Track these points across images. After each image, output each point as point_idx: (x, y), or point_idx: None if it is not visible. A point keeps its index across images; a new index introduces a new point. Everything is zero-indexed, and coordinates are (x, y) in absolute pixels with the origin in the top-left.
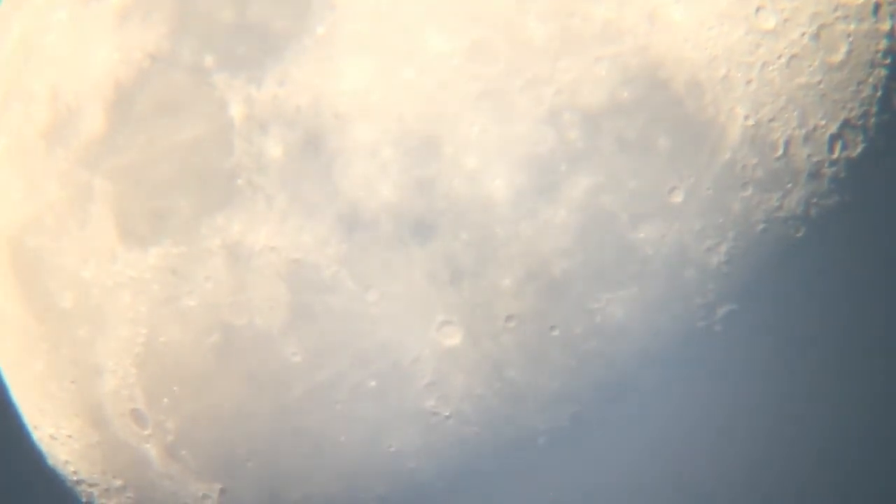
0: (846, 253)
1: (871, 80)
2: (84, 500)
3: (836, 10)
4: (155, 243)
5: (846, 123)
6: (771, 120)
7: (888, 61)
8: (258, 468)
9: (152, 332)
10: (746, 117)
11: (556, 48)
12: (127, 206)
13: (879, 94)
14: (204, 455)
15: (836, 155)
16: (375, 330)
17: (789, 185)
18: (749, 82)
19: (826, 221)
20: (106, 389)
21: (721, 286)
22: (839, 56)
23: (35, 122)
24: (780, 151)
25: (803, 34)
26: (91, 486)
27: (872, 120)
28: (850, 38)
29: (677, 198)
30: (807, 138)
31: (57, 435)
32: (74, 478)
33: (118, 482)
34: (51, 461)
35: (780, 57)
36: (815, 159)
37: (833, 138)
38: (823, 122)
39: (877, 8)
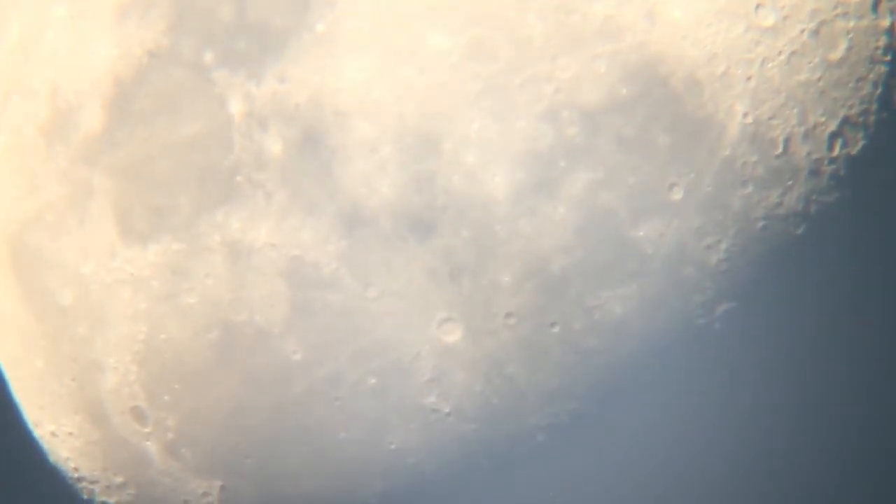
0: (846, 250)
1: (870, 76)
2: (85, 497)
3: (835, 6)
4: (154, 240)
5: (846, 121)
6: (770, 117)
7: (888, 58)
8: (258, 465)
9: (152, 330)
10: (746, 114)
11: (556, 45)
12: (126, 202)
13: (879, 91)
14: (204, 452)
15: (835, 152)
16: (375, 327)
17: (789, 183)
18: (748, 79)
19: (826, 219)
20: (106, 387)
21: (720, 284)
22: (839, 53)
23: (35, 119)
24: (780, 149)
25: (803, 31)
26: (92, 483)
27: (872, 117)
28: (850, 35)
29: (677, 195)
30: (806, 136)
31: (58, 432)
32: (75, 475)
33: (119, 479)
34: (52, 458)
35: (779, 54)
36: (814, 157)
37: (833, 136)
38: (823, 120)
39: (876, 4)
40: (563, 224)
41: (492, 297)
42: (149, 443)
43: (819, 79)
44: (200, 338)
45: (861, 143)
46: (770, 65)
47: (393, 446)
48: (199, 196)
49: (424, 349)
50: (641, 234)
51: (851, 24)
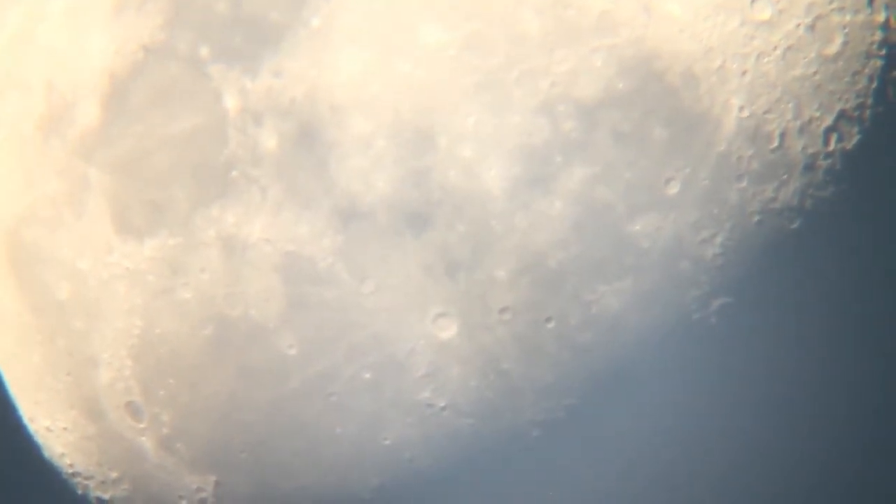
0: (841, 244)
1: (866, 71)
2: (80, 492)
3: (831, 1)
4: (150, 235)
5: (842, 115)
6: (766, 112)
7: (883, 52)
8: (253, 460)
9: (148, 324)
10: (742, 109)
11: (552, 40)
12: (123, 197)
13: (875, 85)
14: (199, 447)
15: (831, 147)
16: (371, 322)
17: (785, 177)
18: (744, 74)
19: (821, 213)
20: (102, 381)
21: (716, 278)
22: (834, 47)
23: (31, 114)
24: (776, 143)
25: (798, 25)
26: (87, 478)
27: (868, 112)
28: (846, 30)
29: (673, 189)
30: (802, 130)
31: (53, 427)
32: (70, 470)
33: (114, 474)
34: (47, 453)
35: (775, 48)
36: (810, 151)
37: (828, 130)
38: (819, 114)
39: None
40: (559, 219)
41: (487, 292)
42: (144, 438)
43: (815, 73)
44: (196, 333)
45: (856, 138)
46: (766, 59)
47: (388, 441)
48: (195, 191)
49: (420, 344)
50: (638, 228)
51: (847, 18)
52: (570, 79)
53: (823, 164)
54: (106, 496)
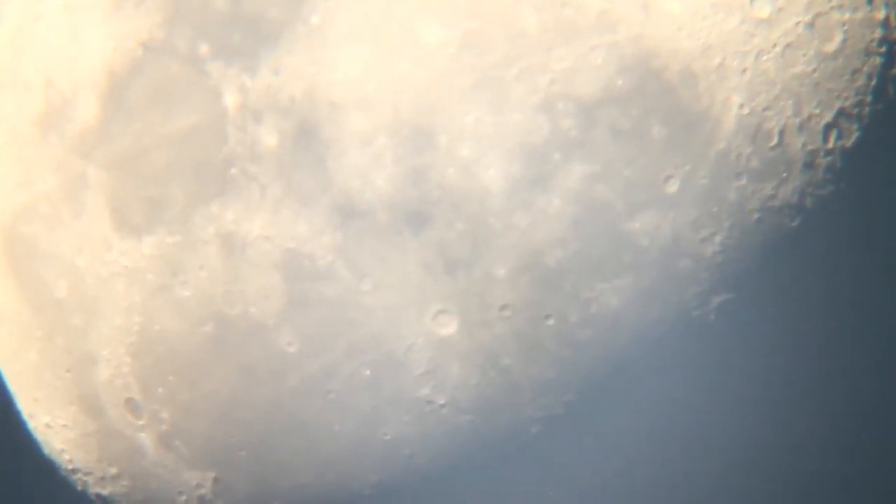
0: (841, 242)
1: (865, 68)
2: (79, 488)
3: None
4: (149, 232)
5: (841, 112)
6: (766, 109)
7: (883, 50)
8: (252, 457)
9: (147, 322)
10: (741, 106)
11: (551, 37)
12: (121, 195)
13: (874, 83)
14: (198, 444)
15: (830, 144)
16: (370, 319)
17: (784, 175)
18: (744, 71)
19: (821, 211)
20: (101, 379)
21: (716, 276)
22: (834, 45)
23: (29, 111)
24: (775, 141)
25: (798, 23)
26: (86, 474)
27: (867, 109)
28: (845, 27)
29: (672, 187)
30: (802, 128)
31: (52, 424)
32: (70, 466)
33: (113, 471)
34: (46, 450)
35: (774, 46)
36: (809, 148)
37: (828, 127)
38: (818, 112)
39: None
40: (558, 217)
41: (487, 289)
42: (143, 434)
43: (814, 71)
44: (195, 330)
45: (856, 135)
46: (765, 57)
47: (387, 438)
48: (194, 188)
49: (419, 341)
50: (637, 226)
51: (846, 16)
52: (569, 77)
53: (823, 161)
54: (105, 492)
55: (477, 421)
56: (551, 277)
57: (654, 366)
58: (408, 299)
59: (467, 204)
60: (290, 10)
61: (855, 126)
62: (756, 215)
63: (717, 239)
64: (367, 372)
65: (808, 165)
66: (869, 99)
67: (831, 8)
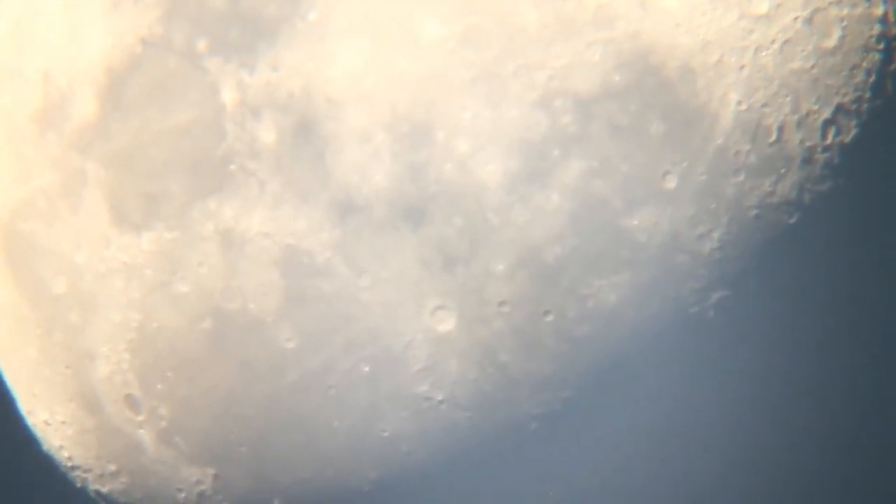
0: (839, 239)
1: (864, 64)
2: (78, 485)
3: None
4: (148, 228)
5: (839, 109)
6: (764, 105)
7: (881, 46)
8: (251, 453)
9: (146, 318)
10: (739, 102)
11: (549, 33)
12: (120, 191)
13: (873, 79)
14: (197, 440)
15: (829, 140)
16: (368, 315)
17: (782, 171)
18: (742, 67)
19: (819, 207)
20: (100, 375)
21: (713, 272)
22: (832, 41)
23: (27, 107)
24: (774, 137)
25: (796, 19)
26: (85, 471)
27: (866, 105)
28: (844, 23)
29: (670, 183)
30: (800, 124)
31: (51, 420)
32: (69, 463)
33: (112, 467)
34: (45, 447)
35: (773, 42)
36: (808, 144)
37: (826, 124)
38: (817, 108)
39: None
40: (556, 212)
41: (485, 285)
42: (142, 431)
43: (812, 67)
44: (194, 326)
45: (854, 131)
46: (763, 53)
47: (386, 434)
48: (193, 184)
49: (417, 337)
50: (635, 222)
51: (845, 12)
52: (568, 73)
53: (821, 157)
54: (104, 489)
55: (475, 417)
56: (549, 273)
57: (651, 362)
58: (406, 295)
59: (465, 200)
60: (288, 6)
61: (853, 122)
62: (754, 212)
63: (715, 235)
64: (366, 368)
65: (807, 161)
66: (867, 95)
67: (830, 4)
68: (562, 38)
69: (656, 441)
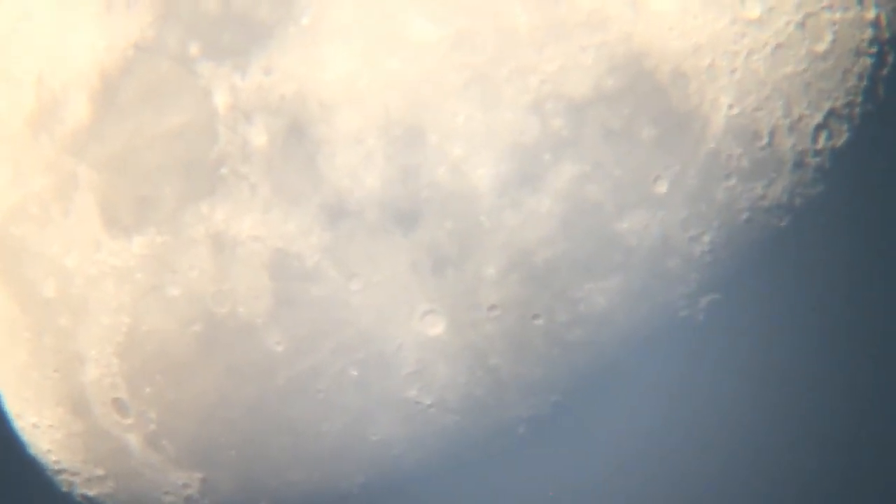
0: (830, 243)
1: (856, 69)
2: (65, 489)
3: None
4: (139, 232)
5: (831, 113)
6: (755, 109)
7: (873, 50)
8: (239, 457)
9: (135, 322)
10: (731, 106)
11: (542, 37)
12: (111, 194)
13: (865, 83)
14: (185, 444)
15: (820, 145)
16: (358, 319)
17: (773, 175)
18: (734, 71)
19: (810, 211)
20: (88, 378)
21: (704, 276)
22: (824, 45)
23: (19, 110)
24: (765, 141)
25: (788, 23)
26: (72, 475)
27: (857, 110)
28: (836, 28)
29: (662, 187)
30: (791, 128)
31: (39, 424)
32: (56, 467)
33: (99, 471)
34: (32, 450)
35: (765, 46)
36: (799, 149)
37: (818, 128)
38: (808, 112)
39: None
40: (547, 216)
41: (476, 289)
42: (130, 435)
43: (804, 71)
44: (183, 330)
45: (846, 136)
46: (755, 57)
47: (375, 438)
48: (184, 188)
49: (407, 341)
50: (626, 226)
51: (837, 16)
52: (560, 76)
53: (812, 162)
54: (91, 493)
55: (464, 421)
56: (540, 277)
57: (642, 366)
58: (396, 299)
59: (457, 203)
60: (280, 9)
61: (845, 127)
62: (745, 215)
63: (706, 239)
64: (355, 372)
65: (798, 166)
66: (859, 99)
67: (822, 8)
68: (554, 41)
69: (646, 445)
